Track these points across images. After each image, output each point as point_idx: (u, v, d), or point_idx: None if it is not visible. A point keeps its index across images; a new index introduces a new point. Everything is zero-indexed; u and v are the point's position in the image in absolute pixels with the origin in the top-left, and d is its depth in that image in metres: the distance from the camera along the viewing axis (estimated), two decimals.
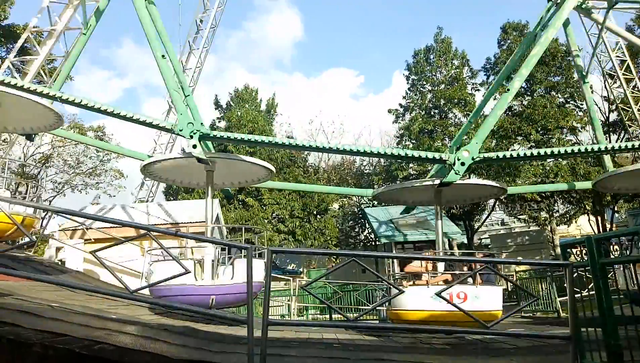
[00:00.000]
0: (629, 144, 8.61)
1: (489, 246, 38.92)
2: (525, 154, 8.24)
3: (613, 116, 26.92)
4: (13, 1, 21.19)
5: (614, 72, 20.99)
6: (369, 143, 40.60)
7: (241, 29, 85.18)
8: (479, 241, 39.40)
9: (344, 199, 34.85)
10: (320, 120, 51.50)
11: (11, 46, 20.42)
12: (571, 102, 28.70)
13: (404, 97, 32.33)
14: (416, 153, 7.84)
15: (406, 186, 7.90)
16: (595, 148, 9.12)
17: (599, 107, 28.68)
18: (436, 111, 29.81)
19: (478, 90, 31.00)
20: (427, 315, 6.23)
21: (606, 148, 9.25)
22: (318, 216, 29.50)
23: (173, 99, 7.46)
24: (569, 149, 7.80)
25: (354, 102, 74.71)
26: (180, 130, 7.08)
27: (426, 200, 9.22)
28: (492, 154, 7.96)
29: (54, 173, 32.21)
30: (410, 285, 6.98)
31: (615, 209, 29.27)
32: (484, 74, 30.82)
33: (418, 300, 6.47)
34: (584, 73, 13.79)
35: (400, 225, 21.37)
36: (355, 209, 34.95)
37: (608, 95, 25.52)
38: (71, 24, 15.45)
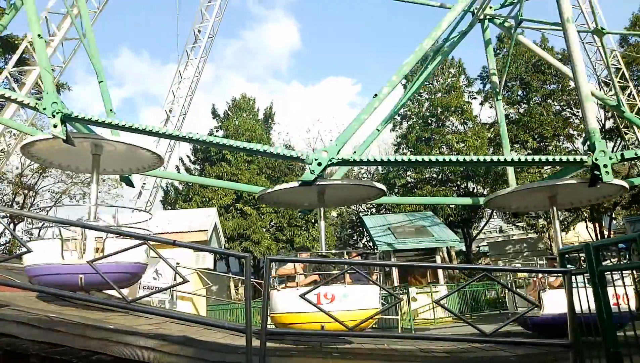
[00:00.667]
0: (523, 158, 7.88)
1: (488, 254, 38.91)
2: (389, 159, 8.02)
3: (609, 124, 27.08)
4: None
5: (609, 80, 21.17)
6: (367, 152, 40.63)
7: (239, 38, 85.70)
8: (477, 248, 39.38)
9: (342, 207, 34.86)
10: (317, 128, 51.72)
11: (9, 57, 20.46)
12: (567, 110, 28.88)
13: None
14: (280, 151, 7.79)
15: (283, 188, 7.91)
16: (482, 158, 8.12)
17: (596, 115, 28.84)
18: (433, 119, 29.95)
19: (475, 98, 31.24)
20: (295, 316, 6.31)
21: (502, 159, 8.25)
22: (316, 224, 29.47)
23: (42, 78, 7.55)
24: (453, 158, 7.48)
25: (352, 110, 75.05)
26: (44, 108, 7.15)
27: (311, 202, 9.23)
28: (350, 157, 7.96)
29: (51, 182, 32.15)
30: (282, 288, 6.99)
31: (613, 216, 29.32)
32: (480, 83, 31.08)
33: (288, 302, 6.49)
34: (498, 90, 14.20)
35: (398, 233, 21.38)
36: (354, 217, 34.93)
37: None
38: (69, 34, 15.57)
